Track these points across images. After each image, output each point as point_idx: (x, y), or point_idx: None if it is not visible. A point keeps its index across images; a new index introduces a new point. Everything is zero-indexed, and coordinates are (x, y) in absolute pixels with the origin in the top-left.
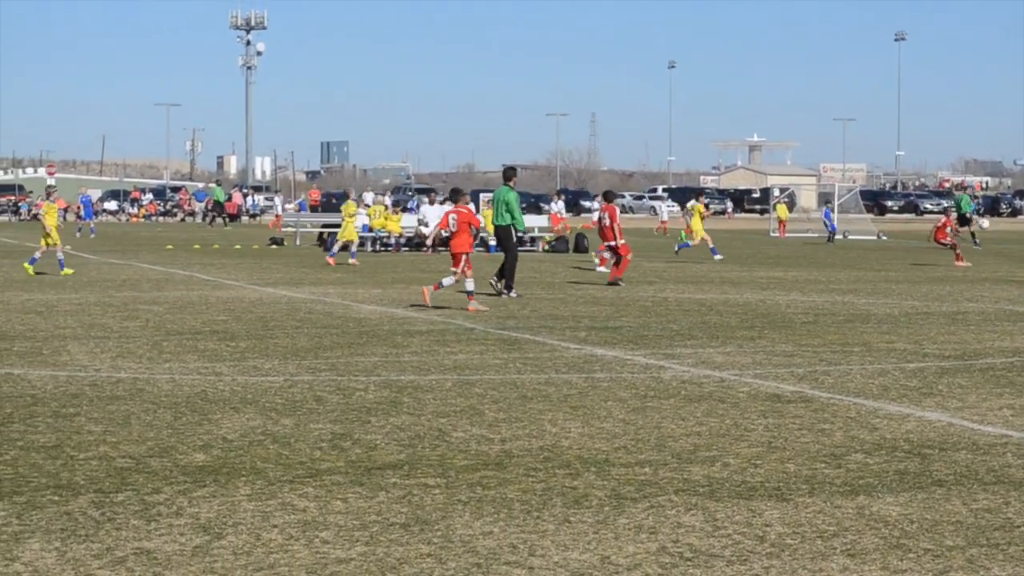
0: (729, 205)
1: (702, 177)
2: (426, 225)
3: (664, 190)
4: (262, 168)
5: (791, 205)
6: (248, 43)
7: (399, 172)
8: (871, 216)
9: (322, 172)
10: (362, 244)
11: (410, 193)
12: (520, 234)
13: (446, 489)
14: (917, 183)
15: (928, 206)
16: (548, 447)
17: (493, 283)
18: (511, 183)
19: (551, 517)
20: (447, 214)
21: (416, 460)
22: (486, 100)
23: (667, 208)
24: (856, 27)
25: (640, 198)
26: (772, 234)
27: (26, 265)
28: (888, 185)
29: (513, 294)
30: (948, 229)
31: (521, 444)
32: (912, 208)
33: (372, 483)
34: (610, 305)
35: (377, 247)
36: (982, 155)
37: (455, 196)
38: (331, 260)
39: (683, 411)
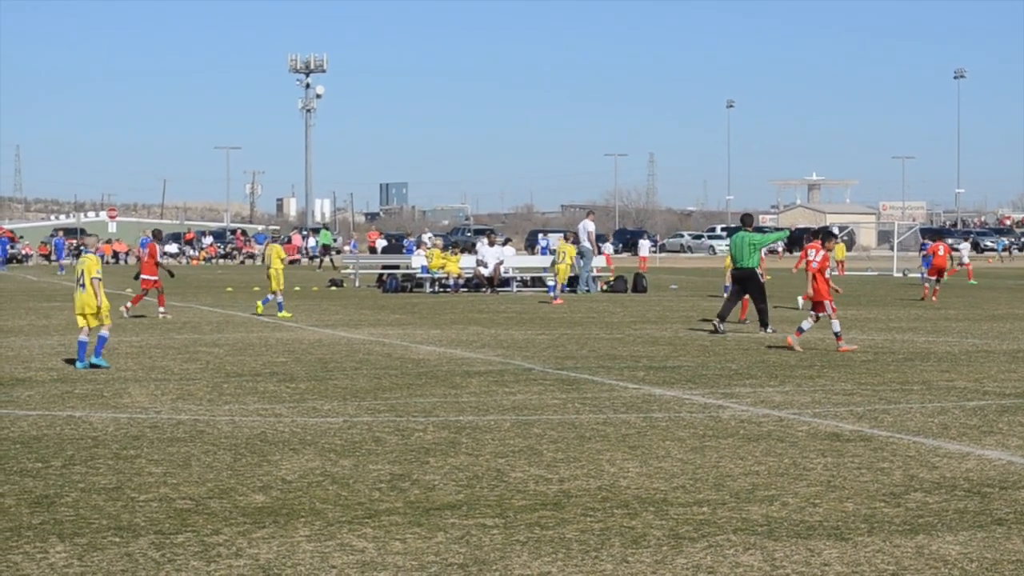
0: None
1: (761, 216)
2: (485, 266)
3: (723, 229)
4: (321, 210)
5: (850, 244)
6: (307, 86)
7: (458, 213)
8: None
9: (381, 214)
10: (420, 285)
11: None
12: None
13: (504, 529)
14: (978, 220)
15: (988, 243)
16: (606, 487)
17: (716, 326)
18: (749, 228)
19: (609, 557)
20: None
21: (474, 500)
22: (544, 141)
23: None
24: (915, 65)
25: (698, 237)
26: (831, 272)
27: (259, 304)
28: (948, 223)
29: (770, 330)
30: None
31: (579, 484)
32: (973, 246)
33: (431, 523)
34: (668, 345)
35: (436, 288)
36: None
37: (827, 237)
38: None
39: (742, 450)
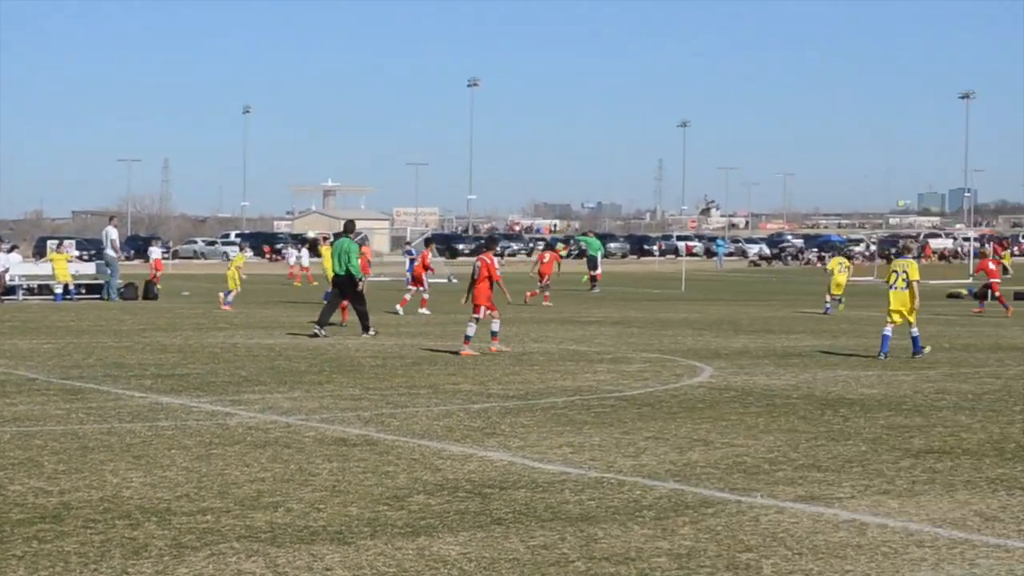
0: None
1: (276, 222)
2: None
3: (237, 235)
4: None
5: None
6: None
7: None
8: (443, 259)
9: None
10: None
11: None
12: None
13: (0, 544)
14: (488, 226)
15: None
16: (108, 498)
17: (317, 332)
18: (351, 235)
19: (109, 569)
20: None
21: None
22: (54, 145)
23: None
24: (430, 73)
25: (212, 243)
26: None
27: None
28: (460, 228)
29: (372, 332)
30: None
31: (81, 496)
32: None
33: None
34: (178, 352)
35: None
36: (551, 198)
37: (489, 244)
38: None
39: (248, 457)
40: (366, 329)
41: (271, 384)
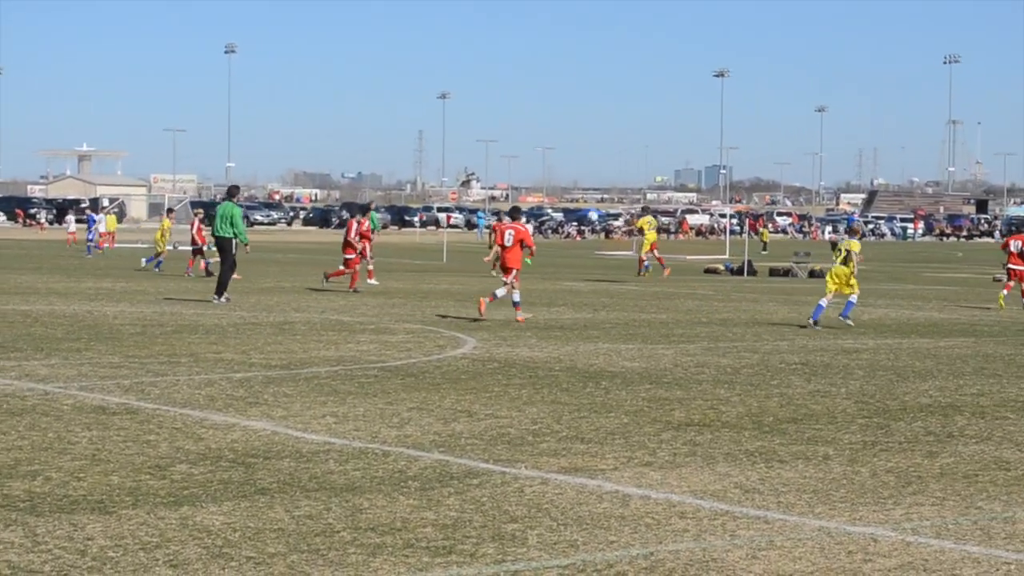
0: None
1: (30, 187)
2: None
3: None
4: None
5: (120, 216)
6: None
7: None
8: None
9: None
10: None
11: None
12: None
13: None
14: (247, 194)
15: (259, 217)
16: None
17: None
18: (235, 199)
19: None
20: (503, 230)
21: None
22: None
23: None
24: (187, 38)
25: None
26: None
27: None
28: (219, 196)
29: (224, 299)
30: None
31: None
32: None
33: None
34: None
35: None
36: (311, 167)
37: (514, 214)
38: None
39: (4, 425)
40: (219, 294)
41: (27, 351)
